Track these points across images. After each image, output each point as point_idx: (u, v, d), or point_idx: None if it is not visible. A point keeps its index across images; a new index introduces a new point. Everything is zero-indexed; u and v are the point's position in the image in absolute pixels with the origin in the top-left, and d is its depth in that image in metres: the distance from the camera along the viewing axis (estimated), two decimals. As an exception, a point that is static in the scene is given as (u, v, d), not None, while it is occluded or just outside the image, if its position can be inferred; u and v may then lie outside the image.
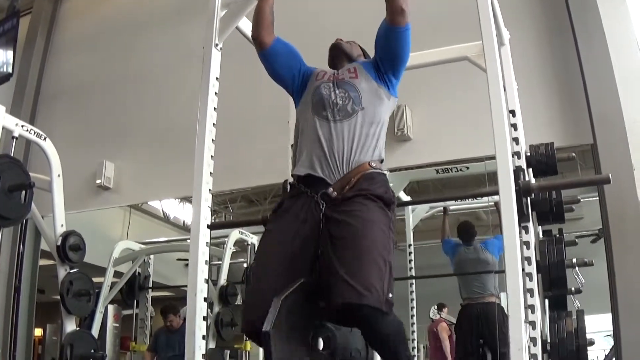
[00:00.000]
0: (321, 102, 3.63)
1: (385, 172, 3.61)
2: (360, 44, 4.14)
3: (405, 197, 8.93)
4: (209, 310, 7.94)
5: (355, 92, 3.62)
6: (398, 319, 3.31)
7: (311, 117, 3.62)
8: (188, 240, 3.76)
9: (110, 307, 10.71)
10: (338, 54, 3.97)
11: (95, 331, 8.86)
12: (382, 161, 3.61)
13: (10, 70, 8.30)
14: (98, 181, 8.87)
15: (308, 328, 3.27)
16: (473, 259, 8.26)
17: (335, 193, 3.38)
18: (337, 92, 3.64)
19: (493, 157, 3.36)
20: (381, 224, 3.28)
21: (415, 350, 9.69)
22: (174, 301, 9.98)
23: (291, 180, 3.67)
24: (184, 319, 8.86)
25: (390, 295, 3.11)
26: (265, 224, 3.69)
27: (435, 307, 10.48)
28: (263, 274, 3.34)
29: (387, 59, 3.69)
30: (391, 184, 7.35)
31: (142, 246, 10.47)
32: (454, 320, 9.22)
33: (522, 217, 4.02)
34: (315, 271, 3.27)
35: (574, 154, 5.28)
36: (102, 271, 9.49)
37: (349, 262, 3.09)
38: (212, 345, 8.52)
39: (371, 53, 3.89)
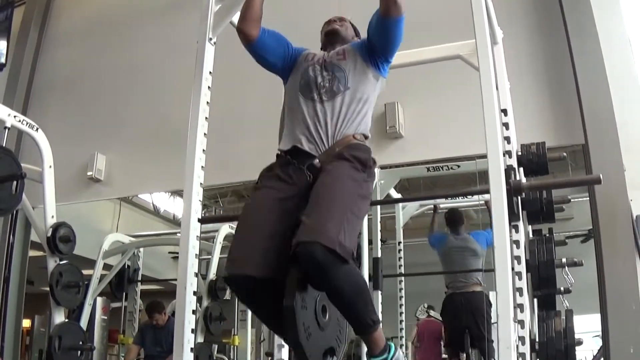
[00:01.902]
0: (308, 84, 3.68)
1: (369, 148, 3.59)
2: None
3: (395, 195, 8.93)
4: (198, 304, 7.96)
5: (342, 73, 3.66)
6: (359, 273, 3.31)
7: (298, 98, 3.67)
8: (178, 234, 3.77)
9: (99, 300, 10.75)
10: (335, 40, 3.99)
11: (83, 323, 8.84)
12: (366, 138, 3.63)
13: (3, 60, 8.30)
14: (89, 173, 8.85)
15: (313, 299, 3.28)
16: (460, 247, 8.29)
17: (321, 164, 3.41)
18: (324, 74, 3.68)
19: (484, 156, 3.35)
20: (350, 178, 3.31)
21: (404, 347, 9.70)
22: (159, 298, 9.97)
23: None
24: (171, 315, 8.91)
25: (348, 243, 3.05)
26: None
27: (425, 305, 10.47)
28: (252, 222, 3.35)
29: (379, 47, 3.70)
30: (382, 181, 7.41)
31: (132, 239, 10.47)
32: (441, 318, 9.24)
33: (513, 216, 4.03)
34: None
35: (565, 154, 5.29)
36: (91, 263, 9.48)
37: (311, 208, 3.13)
38: (200, 339, 8.51)
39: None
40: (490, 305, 7.65)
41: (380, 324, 3.28)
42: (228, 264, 3.28)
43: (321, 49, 4.05)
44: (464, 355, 8.09)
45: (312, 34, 4.21)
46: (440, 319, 9.20)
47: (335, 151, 3.44)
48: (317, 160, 3.43)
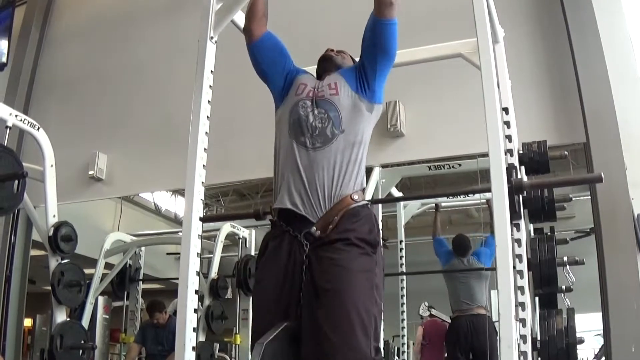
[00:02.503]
0: (299, 125, 3.57)
1: (368, 203, 3.56)
2: (351, 47, 4.12)
3: (397, 193, 8.93)
4: (200, 303, 7.96)
5: (336, 112, 3.55)
6: None
7: (289, 142, 3.56)
8: (179, 233, 3.76)
9: (101, 299, 10.73)
10: (329, 67, 3.90)
11: (85, 322, 8.85)
12: (364, 190, 3.57)
13: (4, 60, 8.31)
14: (90, 172, 8.86)
15: None
16: (465, 273, 8.28)
17: (319, 232, 3.34)
18: (315, 112, 3.57)
19: (486, 155, 3.35)
20: (363, 271, 3.25)
21: (405, 346, 9.70)
22: (160, 297, 9.98)
23: (272, 215, 3.65)
24: (172, 314, 8.91)
25: (374, 348, 3.07)
26: (257, 264, 3.61)
27: (426, 304, 10.47)
28: (260, 328, 3.26)
29: (373, 53, 3.63)
30: (383, 180, 7.42)
31: (134, 238, 10.47)
32: (445, 318, 9.24)
33: (514, 215, 4.03)
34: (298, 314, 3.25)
35: (566, 152, 5.29)
36: (93, 262, 9.48)
37: (332, 320, 3.08)
38: (202, 338, 8.52)
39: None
40: (496, 333, 7.63)
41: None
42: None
43: (317, 78, 3.92)
44: None
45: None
46: (443, 318, 9.21)
47: (334, 221, 3.36)
48: (314, 229, 3.36)
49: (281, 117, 3.73)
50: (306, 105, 3.62)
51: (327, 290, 3.16)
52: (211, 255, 9.25)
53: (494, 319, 7.74)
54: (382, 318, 3.26)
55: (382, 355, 3.21)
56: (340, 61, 3.94)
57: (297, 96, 3.70)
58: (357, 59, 3.86)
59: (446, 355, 8.86)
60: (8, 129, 6.36)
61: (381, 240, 3.51)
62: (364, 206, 3.49)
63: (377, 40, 3.60)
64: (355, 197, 3.44)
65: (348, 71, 3.77)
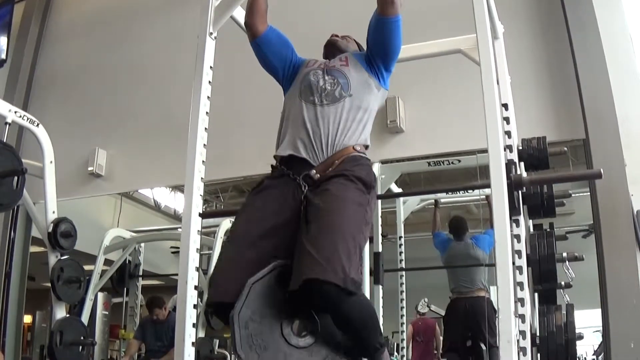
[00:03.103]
0: (309, 88, 3.64)
1: (369, 158, 3.59)
2: (355, 38, 4.14)
3: (396, 189, 8.93)
4: (199, 299, 7.96)
5: (345, 79, 3.62)
6: (368, 301, 3.30)
7: (298, 102, 3.63)
8: (179, 229, 3.77)
9: (100, 295, 10.75)
10: (333, 52, 3.98)
11: (85, 318, 8.86)
12: (367, 147, 3.60)
13: (3, 56, 8.29)
14: (90, 168, 8.86)
15: (281, 314, 3.20)
16: (463, 254, 8.29)
17: (318, 175, 3.37)
18: (326, 78, 3.65)
19: (485, 151, 3.35)
20: (355, 203, 3.26)
21: (404, 342, 9.72)
22: (160, 293, 9.98)
23: (273, 162, 3.66)
24: (171, 310, 8.91)
25: (357, 277, 3.04)
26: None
27: (425, 300, 10.47)
28: (236, 247, 3.30)
29: (379, 51, 3.69)
30: (382, 176, 7.42)
31: (133, 234, 10.49)
32: (442, 313, 9.25)
33: (513, 211, 4.03)
34: (287, 252, 3.22)
35: (566, 149, 5.30)
36: (92, 259, 9.50)
37: (316, 237, 3.06)
38: (201, 334, 8.52)
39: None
40: (494, 310, 7.63)
41: (386, 348, 3.27)
42: (210, 290, 3.26)
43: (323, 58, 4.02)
44: None
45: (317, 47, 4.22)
46: (442, 314, 9.22)
47: (335, 164, 3.40)
48: (314, 171, 3.39)
49: (291, 92, 3.79)
50: (317, 73, 3.71)
51: (315, 215, 3.18)
52: (210, 252, 9.25)
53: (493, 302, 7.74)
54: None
55: (364, 294, 3.22)
56: (345, 45, 4.02)
57: (308, 67, 3.79)
58: (362, 44, 3.95)
59: (444, 334, 8.88)
60: (7, 126, 6.36)
61: (376, 188, 3.53)
62: (365, 157, 3.54)
63: (383, 38, 3.66)
64: (358, 148, 3.50)
65: (358, 54, 3.87)
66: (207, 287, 7.94)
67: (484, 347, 7.68)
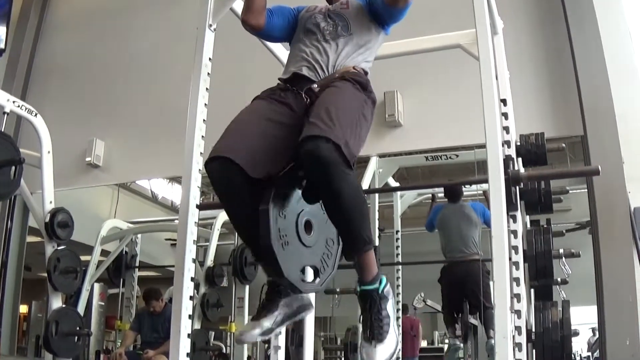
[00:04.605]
0: (311, 29, 3.66)
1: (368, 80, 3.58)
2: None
3: (394, 183, 8.93)
4: (195, 291, 7.95)
5: (344, 22, 3.63)
6: (361, 187, 3.27)
7: (301, 42, 3.65)
8: (176, 221, 3.77)
9: (97, 286, 10.76)
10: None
11: (81, 309, 8.84)
12: (366, 73, 3.61)
13: (2, 46, 8.29)
14: (88, 159, 8.88)
15: (296, 212, 3.29)
16: (457, 213, 8.30)
17: (319, 89, 3.38)
18: (327, 20, 3.66)
19: (483, 146, 3.35)
20: (354, 95, 3.30)
21: (401, 336, 9.72)
22: (156, 284, 9.98)
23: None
24: (168, 301, 8.91)
25: (353, 148, 3.01)
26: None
27: (422, 294, 10.48)
28: (245, 123, 3.33)
29: (386, 16, 3.67)
30: (380, 170, 7.41)
31: (130, 225, 10.48)
32: (438, 308, 9.26)
33: (511, 206, 4.02)
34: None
35: (563, 145, 5.29)
36: (89, 249, 9.49)
37: (317, 112, 3.07)
38: (197, 326, 8.53)
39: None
40: (489, 273, 7.62)
41: (373, 249, 3.23)
42: (212, 151, 3.21)
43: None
44: (460, 322, 8.14)
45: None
46: (438, 309, 9.23)
47: (335, 77, 3.42)
48: (315, 85, 3.41)
49: (296, 37, 3.79)
50: (318, 17, 3.71)
51: (319, 100, 3.23)
52: (207, 244, 9.25)
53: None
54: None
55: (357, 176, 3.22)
56: None
57: (309, 12, 3.79)
58: None
59: (442, 299, 8.89)
60: (5, 115, 6.36)
61: (373, 93, 3.53)
62: (365, 75, 3.55)
63: (393, 13, 3.64)
64: (358, 68, 3.52)
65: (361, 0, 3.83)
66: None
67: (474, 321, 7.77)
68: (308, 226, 3.35)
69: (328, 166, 2.90)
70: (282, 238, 3.11)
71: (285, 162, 3.21)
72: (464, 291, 7.91)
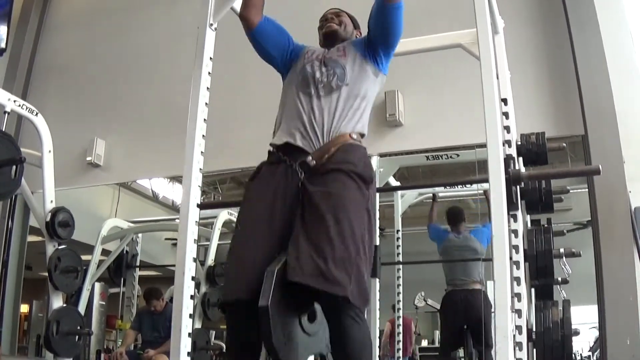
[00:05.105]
0: (306, 80, 3.65)
1: (365, 147, 3.59)
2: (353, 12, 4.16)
3: (394, 183, 8.93)
4: (196, 290, 7.95)
5: (341, 69, 3.62)
6: (369, 333, 3.25)
7: (295, 93, 3.64)
8: (177, 220, 3.77)
9: (97, 285, 10.75)
10: (333, 42, 3.93)
11: (81, 308, 8.86)
12: (363, 136, 3.60)
13: (3, 45, 8.28)
14: (88, 158, 8.87)
15: (296, 303, 3.21)
16: (460, 246, 8.28)
17: (314, 162, 3.37)
18: (322, 69, 3.64)
19: (484, 145, 3.35)
20: (358, 206, 3.27)
21: (401, 336, 9.72)
22: (157, 284, 9.98)
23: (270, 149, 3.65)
24: (169, 300, 8.91)
25: (364, 291, 3.07)
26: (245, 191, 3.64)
27: (422, 294, 10.48)
28: (245, 243, 3.30)
29: (380, 35, 3.70)
30: (381, 169, 7.43)
31: (131, 225, 10.48)
32: (439, 307, 9.26)
33: (511, 206, 4.03)
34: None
35: (564, 144, 5.28)
36: (90, 249, 9.49)
37: (320, 241, 3.06)
38: (198, 325, 8.53)
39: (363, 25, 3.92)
40: (489, 304, 7.61)
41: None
42: (226, 288, 3.29)
43: (320, 45, 4.02)
44: (458, 353, 8.15)
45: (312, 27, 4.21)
46: (438, 308, 9.22)
47: (331, 151, 3.39)
48: (310, 158, 3.39)
49: (289, 81, 3.80)
50: (314, 65, 3.70)
51: (317, 215, 3.17)
52: (208, 243, 9.25)
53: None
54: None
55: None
56: (343, 32, 3.99)
57: (305, 59, 3.79)
58: (357, 20, 4.05)
59: (440, 326, 8.91)
60: (6, 114, 6.36)
61: (374, 181, 3.53)
62: (361, 146, 3.54)
63: (385, 25, 3.66)
64: (354, 136, 3.51)
65: (358, 41, 3.86)
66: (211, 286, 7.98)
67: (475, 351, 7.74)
68: (312, 315, 3.35)
69: (342, 312, 3.02)
70: (283, 334, 3.08)
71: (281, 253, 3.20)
72: (466, 321, 7.91)
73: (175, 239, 3.70)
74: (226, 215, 9.30)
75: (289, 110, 3.62)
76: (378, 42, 3.71)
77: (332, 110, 3.50)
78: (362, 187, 3.34)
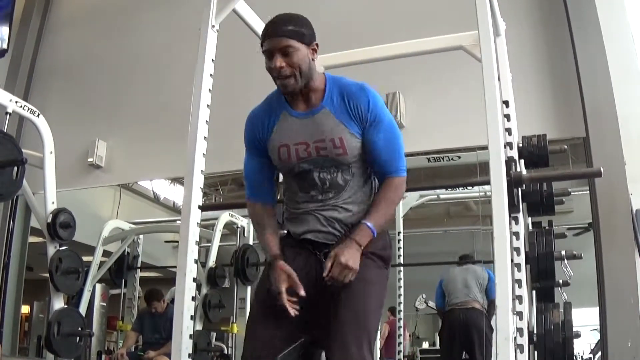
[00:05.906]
0: (305, 183, 3.37)
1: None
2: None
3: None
4: (197, 291, 7.97)
5: (346, 165, 3.32)
6: None
7: (299, 194, 3.41)
8: (178, 222, 3.76)
9: (98, 286, 10.77)
10: (297, 95, 3.48)
11: (82, 309, 8.87)
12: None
13: (5, 46, 8.30)
14: (90, 159, 8.87)
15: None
16: (463, 271, 8.35)
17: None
18: (320, 174, 3.35)
19: (485, 147, 3.34)
20: (378, 286, 3.25)
21: (402, 337, 9.74)
22: (158, 285, 9.98)
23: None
24: (170, 302, 8.92)
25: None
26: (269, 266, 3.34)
27: (423, 296, 10.49)
28: (261, 325, 3.22)
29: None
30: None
31: (132, 226, 10.49)
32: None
33: (513, 208, 4.03)
34: (309, 325, 3.18)
35: (566, 147, 5.28)
36: (91, 250, 9.50)
37: (346, 326, 3.05)
38: (199, 326, 8.53)
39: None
40: (491, 329, 7.60)
41: None
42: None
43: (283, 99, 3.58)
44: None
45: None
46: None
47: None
48: (328, 250, 3.23)
49: (286, 178, 3.51)
50: (305, 169, 3.36)
51: (343, 298, 3.13)
52: (209, 244, 9.26)
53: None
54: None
55: None
56: (302, 80, 3.35)
57: (288, 162, 3.38)
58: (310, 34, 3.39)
59: (440, 345, 8.92)
60: (8, 115, 6.36)
61: (391, 258, 3.49)
62: (386, 237, 3.50)
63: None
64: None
65: (344, 114, 3.31)
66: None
67: None
68: None
69: None
70: None
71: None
72: (463, 338, 7.93)
73: (175, 242, 3.71)
74: (227, 217, 9.32)
75: (300, 212, 3.39)
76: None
77: (348, 207, 3.33)
78: (382, 267, 3.33)
